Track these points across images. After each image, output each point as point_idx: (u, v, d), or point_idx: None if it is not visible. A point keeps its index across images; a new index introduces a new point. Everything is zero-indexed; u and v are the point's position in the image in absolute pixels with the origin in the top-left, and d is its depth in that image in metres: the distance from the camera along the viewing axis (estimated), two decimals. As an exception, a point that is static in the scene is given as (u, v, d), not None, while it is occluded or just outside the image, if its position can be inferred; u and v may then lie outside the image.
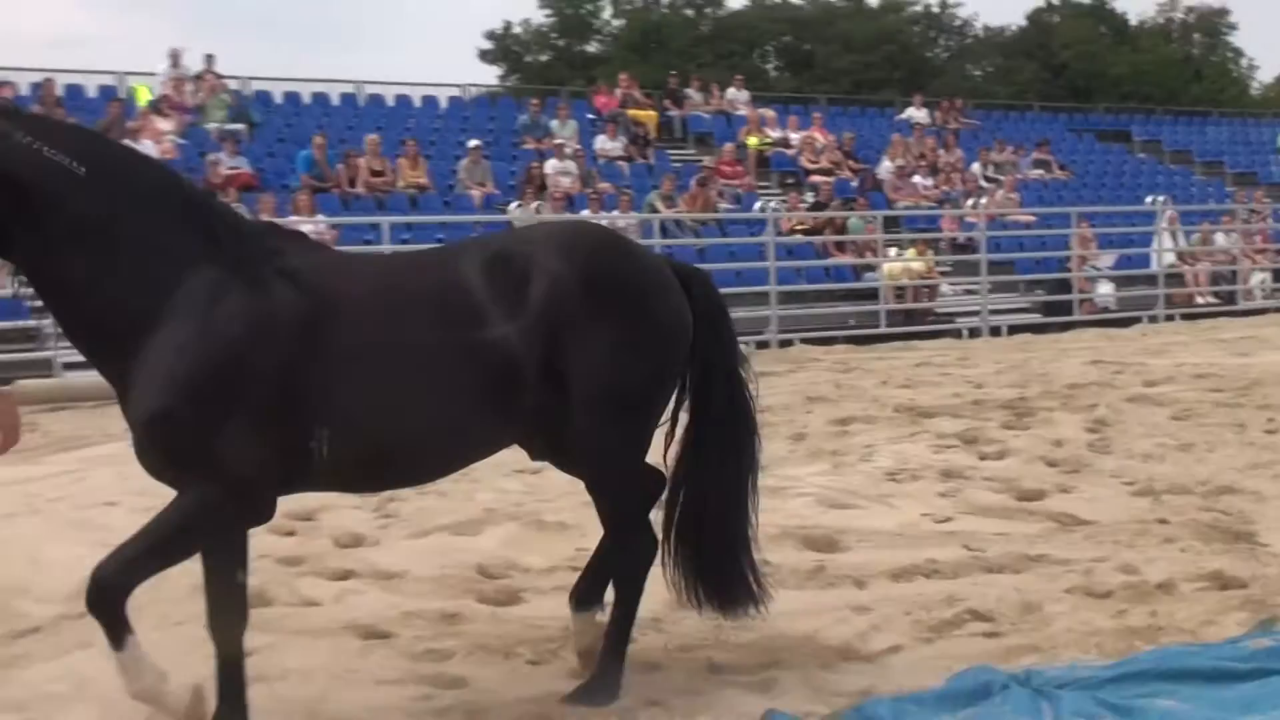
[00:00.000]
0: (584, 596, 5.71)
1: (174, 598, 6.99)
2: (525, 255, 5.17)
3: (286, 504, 8.79)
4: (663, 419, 5.56)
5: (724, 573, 5.67)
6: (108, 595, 4.68)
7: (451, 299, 5.02)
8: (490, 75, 60.50)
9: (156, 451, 4.70)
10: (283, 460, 4.77)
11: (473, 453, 5.37)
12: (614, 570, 5.64)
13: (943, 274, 24.01)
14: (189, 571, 7.25)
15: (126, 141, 20.60)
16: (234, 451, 4.63)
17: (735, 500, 5.66)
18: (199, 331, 4.59)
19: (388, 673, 5.66)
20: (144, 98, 24.33)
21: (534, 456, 5.70)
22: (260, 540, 8.05)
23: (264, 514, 4.99)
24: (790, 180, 27.44)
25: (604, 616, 5.67)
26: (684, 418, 5.67)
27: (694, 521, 5.62)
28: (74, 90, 25.27)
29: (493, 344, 4.97)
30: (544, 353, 5.04)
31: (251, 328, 4.65)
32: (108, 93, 25.19)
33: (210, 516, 4.73)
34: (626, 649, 5.55)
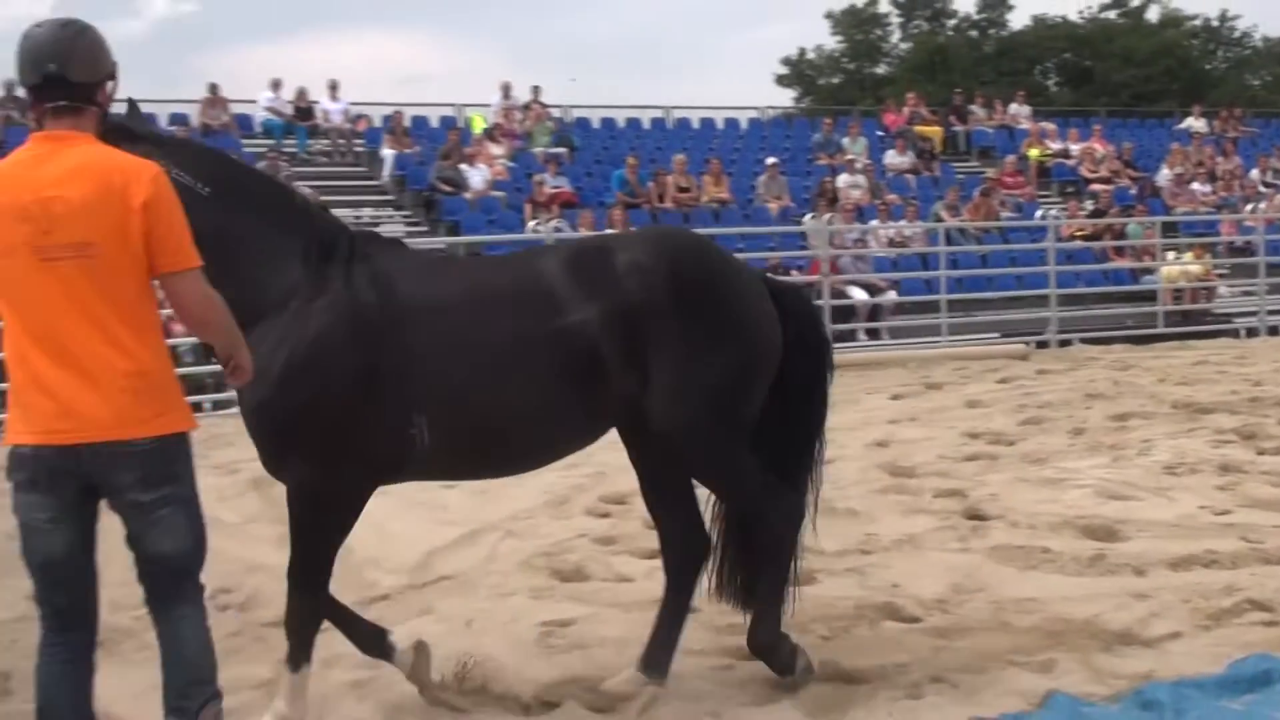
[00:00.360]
0: (651, 663, 5.34)
1: (504, 570, 7.21)
2: (611, 249, 5.10)
3: (602, 489, 9.02)
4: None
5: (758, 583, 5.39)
6: (303, 624, 4.90)
7: (532, 290, 4.94)
8: (786, 98, 60.39)
9: (261, 443, 4.81)
10: (383, 446, 4.80)
11: (565, 438, 5.20)
12: (760, 551, 5.36)
13: (1220, 276, 22.96)
14: (518, 549, 7.49)
15: (463, 166, 21.50)
16: (325, 440, 4.70)
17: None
18: (289, 330, 4.70)
19: (693, 644, 5.69)
20: (479, 126, 25.21)
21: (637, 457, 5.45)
22: (579, 521, 8.28)
23: (364, 496, 4.98)
24: (1070, 189, 26.64)
25: (660, 690, 5.25)
26: None
27: (746, 526, 5.40)
28: (419, 120, 26.25)
29: (572, 329, 4.87)
30: (627, 339, 4.90)
31: (336, 325, 4.73)
32: (448, 122, 26.11)
33: (316, 499, 4.79)
34: (780, 614, 5.34)
